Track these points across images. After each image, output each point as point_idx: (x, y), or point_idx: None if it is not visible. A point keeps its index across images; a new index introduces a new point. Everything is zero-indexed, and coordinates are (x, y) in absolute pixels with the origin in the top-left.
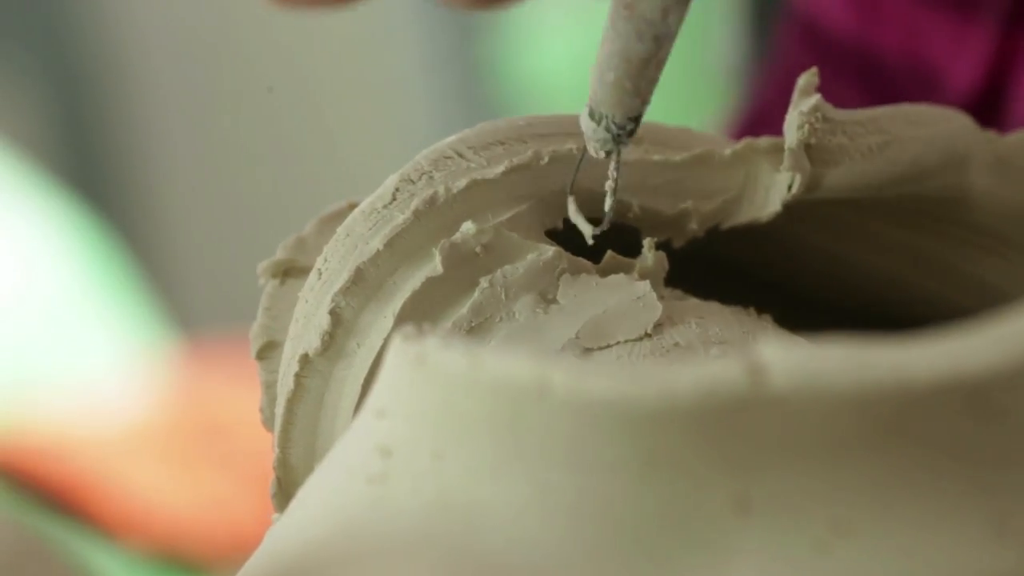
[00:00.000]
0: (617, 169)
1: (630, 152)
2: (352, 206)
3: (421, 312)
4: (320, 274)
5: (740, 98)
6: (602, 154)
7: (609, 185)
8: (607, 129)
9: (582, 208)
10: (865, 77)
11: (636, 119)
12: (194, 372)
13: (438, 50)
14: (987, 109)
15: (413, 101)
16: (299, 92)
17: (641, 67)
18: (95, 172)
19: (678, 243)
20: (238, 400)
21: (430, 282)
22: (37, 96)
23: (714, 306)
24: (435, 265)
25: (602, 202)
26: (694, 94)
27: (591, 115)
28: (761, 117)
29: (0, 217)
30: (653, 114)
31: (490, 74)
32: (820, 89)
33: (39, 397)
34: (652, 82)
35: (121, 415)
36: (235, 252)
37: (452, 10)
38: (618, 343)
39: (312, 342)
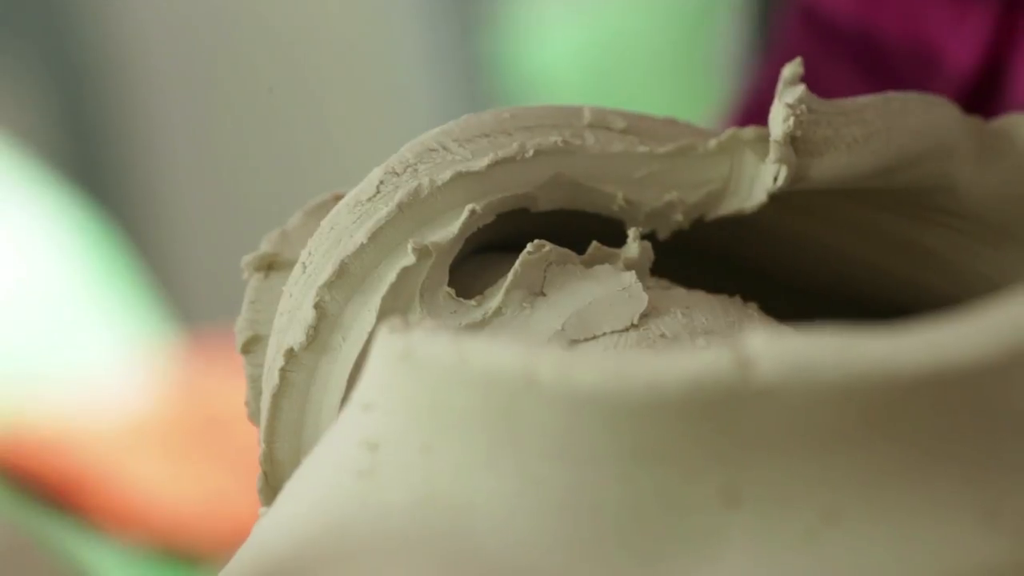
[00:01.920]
0: None
1: (615, 143)
2: (337, 198)
3: (402, 305)
4: (304, 268)
5: (740, 85)
6: None
7: None
8: None
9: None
10: (865, 61)
11: None
12: (195, 366)
13: (439, 45)
14: (986, 90)
15: (414, 98)
16: (299, 92)
17: None
18: (96, 167)
19: (663, 234)
20: (238, 394)
21: (406, 272)
22: (38, 92)
23: (700, 296)
24: (410, 257)
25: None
26: (694, 82)
27: None
28: (761, 104)
29: (1, 211)
30: (652, 104)
31: (491, 69)
32: (820, 74)
33: (39, 391)
34: None
35: (122, 409)
36: (235, 247)
37: (452, 5)
38: (604, 334)
39: (297, 336)
